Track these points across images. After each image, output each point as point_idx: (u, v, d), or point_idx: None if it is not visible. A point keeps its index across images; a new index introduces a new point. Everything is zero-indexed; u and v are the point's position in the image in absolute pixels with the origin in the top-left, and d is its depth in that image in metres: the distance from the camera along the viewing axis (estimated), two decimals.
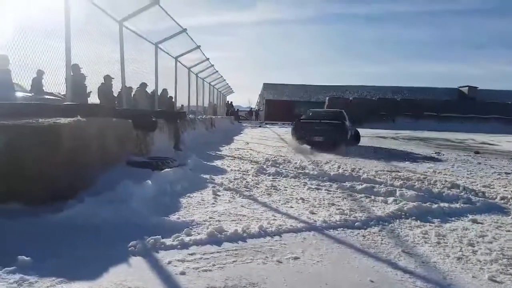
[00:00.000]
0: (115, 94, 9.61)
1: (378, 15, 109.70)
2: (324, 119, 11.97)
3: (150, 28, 9.54)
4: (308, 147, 10.51)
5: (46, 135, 3.73)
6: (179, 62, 13.29)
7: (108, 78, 8.86)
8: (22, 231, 3.02)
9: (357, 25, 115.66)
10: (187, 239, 2.99)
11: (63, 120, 4.09)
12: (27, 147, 3.62)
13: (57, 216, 3.33)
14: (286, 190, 5.11)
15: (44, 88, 7.40)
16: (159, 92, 11.81)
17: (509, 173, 7.32)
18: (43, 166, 3.66)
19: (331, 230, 3.42)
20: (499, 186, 5.91)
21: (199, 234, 3.12)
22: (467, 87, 51.52)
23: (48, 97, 7.42)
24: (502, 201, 4.82)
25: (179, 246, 2.87)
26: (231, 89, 31.97)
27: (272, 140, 15.02)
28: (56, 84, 6.45)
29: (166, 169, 5.31)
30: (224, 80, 25.45)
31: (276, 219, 3.65)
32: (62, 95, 7.15)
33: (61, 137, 3.89)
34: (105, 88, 8.99)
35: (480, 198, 4.88)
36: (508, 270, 2.65)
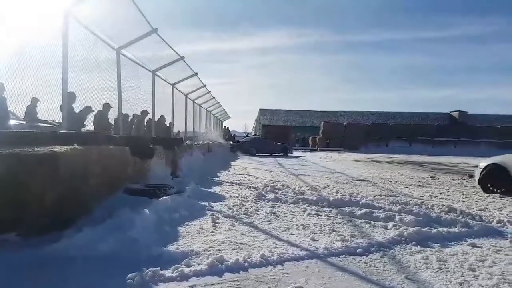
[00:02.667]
0: (111, 121, 9.62)
1: (371, 44, 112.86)
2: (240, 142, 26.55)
3: (147, 56, 9.68)
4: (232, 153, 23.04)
5: (43, 164, 3.70)
6: (176, 88, 13.42)
7: (106, 106, 8.86)
8: (18, 263, 2.96)
9: (351, 53, 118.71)
10: (186, 270, 2.92)
11: (59, 149, 4.06)
12: (24, 176, 3.58)
13: (54, 247, 3.26)
14: (286, 216, 5.08)
15: (38, 115, 7.38)
16: (156, 118, 11.86)
17: (503, 197, 7.35)
18: (40, 195, 3.61)
19: (333, 257, 3.39)
20: (495, 209, 5.95)
21: (199, 264, 3.06)
22: (457, 112, 52.60)
23: (43, 124, 7.39)
24: (499, 224, 4.85)
25: (178, 278, 2.80)
26: (227, 114, 32.21)
27: (269, 165, 15.05)
28: (50, 111, 6.45)
29: (164, 197, 5.27)
30: (221, 106, 25.71)
31: (277, 247, 3.61)
32: (56, 122, 7.14)
33: (58, 166, 3.85)
34: (100, 116, 8.98)
35: (477, 222, 4.89)
36: None
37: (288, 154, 25.03)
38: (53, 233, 3.55)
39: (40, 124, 7.37)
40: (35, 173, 3.62)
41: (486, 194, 7.69)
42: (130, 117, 10.95)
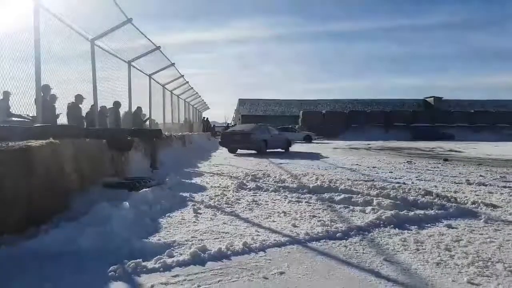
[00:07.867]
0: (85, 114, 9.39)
1: (347, 33, 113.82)
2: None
3: (123, 47, 9.46)
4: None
5: (18, 158, 3.60)
6: (153, 79, 13.20)
7: (79, 98, 8.62)
8: None
9: (328, 42, 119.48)
10: (169, 260, 2.92)
11: (35, 143, 3.95)
12: None
13: (31, 243, 3.18)
14: (268, 204, 5.11)
15: (11, 110, 7.13)
16: (133, 110, 11.65)
17: (477, 178, 7.62)
18: (15, 191, 3.51)
19: (314, 242, 3.45)
20: (469, 191, 6.14)
21: (181, 254, 3.06)
22: (432, 98, 53.79)
23: (16, 119, 7.16)
24: (473, 206, 5.00)
25: (161, 269, 2.80)
26: (206, 105, 31.98)
27: (249, 155, 15.06)
28: (24, 105, 6.23)
29: (144, 189, 5.22)
30: (200, 96, 25.49)
31: (259, 234, 3.64)
32: (30, 116, 6.93)
33: (34, 160, 3.76)
34: (73, 108, 8.72)
35: (453, 204, 5.02)
36: (484, 272, 2.75)
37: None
38: (30, 229, 3.47)
39: (13, 118, 7.13)
40: (10, 168, 3.51)
41: (461, 177, 7.94)
42: (107, 110, 10.71)
